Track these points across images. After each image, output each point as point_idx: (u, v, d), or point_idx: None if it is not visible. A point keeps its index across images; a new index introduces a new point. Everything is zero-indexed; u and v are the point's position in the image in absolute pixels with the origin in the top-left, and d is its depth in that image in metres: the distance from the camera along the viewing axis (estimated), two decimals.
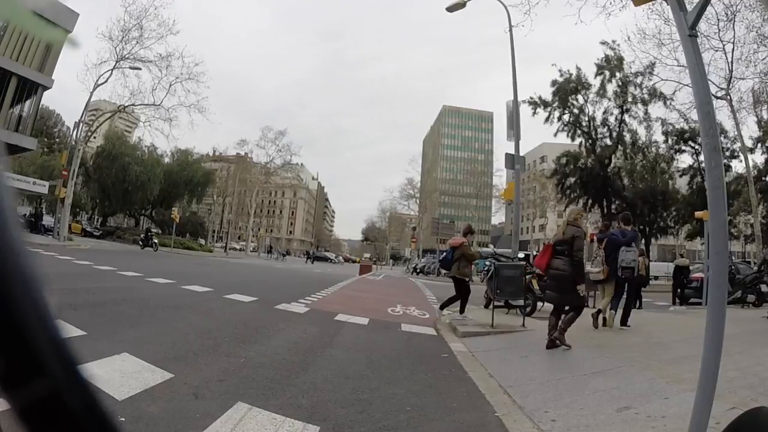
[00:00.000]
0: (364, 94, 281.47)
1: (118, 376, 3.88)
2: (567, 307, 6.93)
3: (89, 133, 34.68)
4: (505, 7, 13.98)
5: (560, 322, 6.75)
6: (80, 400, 0.41)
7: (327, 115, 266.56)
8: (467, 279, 9.95)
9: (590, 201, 35.53)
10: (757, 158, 32.14)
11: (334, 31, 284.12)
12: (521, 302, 9.74)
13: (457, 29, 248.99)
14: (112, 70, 30.61)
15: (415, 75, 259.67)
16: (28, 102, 28.24)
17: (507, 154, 13.02)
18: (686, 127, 31.57)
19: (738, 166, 32.31)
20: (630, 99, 32.74)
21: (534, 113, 34.84)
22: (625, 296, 9.24)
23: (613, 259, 8.86)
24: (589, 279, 8.92)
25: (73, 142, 31.52)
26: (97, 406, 0.43)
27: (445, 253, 10.37)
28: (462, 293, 9.72)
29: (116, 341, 4.98)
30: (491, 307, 9.46)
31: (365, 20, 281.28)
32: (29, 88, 27.62)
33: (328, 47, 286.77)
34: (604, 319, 9.01)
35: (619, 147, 33.88)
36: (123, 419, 3.05)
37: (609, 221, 13.91)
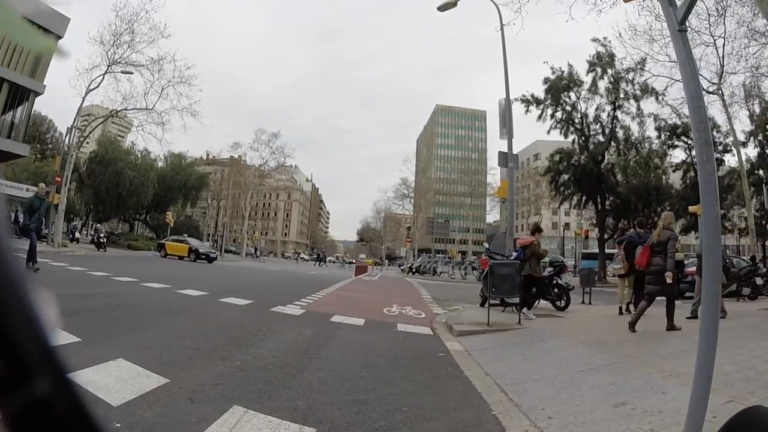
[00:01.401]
0: (360, 95, 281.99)
1: (113, 381, 3.85)
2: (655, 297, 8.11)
3: (82, 139, 34.52)
4: (496, 5, 14.02)
5: (666, 313, 8.11)
6: (70, 407, 0.41)
7: (323, 116, 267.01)
8: (538, 276, 10.65)
9: (584, 197, 35.53)
10: (750, 152, 32.27)
11: (329, 31, 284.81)
12: (517, 300, 9.75)
13: (450, 29, 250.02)
14: (104, 74, 30.52)
15: (410, 75, 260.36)
16: (20, 108, 28.17)
17: (500, 153, 13.05)
18: (679, 123, 31.61)
19: (731, 160, 32.41)
20: (622, 95, 32.76)
21: (527, 111, 34.80)
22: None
23: (632, 257, 10.12)
24: (613, 274, 11.19)
25: (66, 148, 31.37)
26: (87, 413, 0.42)
27: (516, 254, 10.82)
28: (535, 290, 10.57)
29: (111, 347, 4.95)
30: (487, 305, 9.49)
31: (360, 21, 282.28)
32: (21, 94, 27.54)
33: (323, 48, 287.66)
34: (627, 304, 10.88)
35: (612, 143, 33.88)
36: (118, 425, 3.04)
37: (627, 224, 14.45)
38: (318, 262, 64.26)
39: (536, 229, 11.16)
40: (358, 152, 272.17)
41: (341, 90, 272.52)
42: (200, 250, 33.65)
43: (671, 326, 8.02)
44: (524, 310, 9.85)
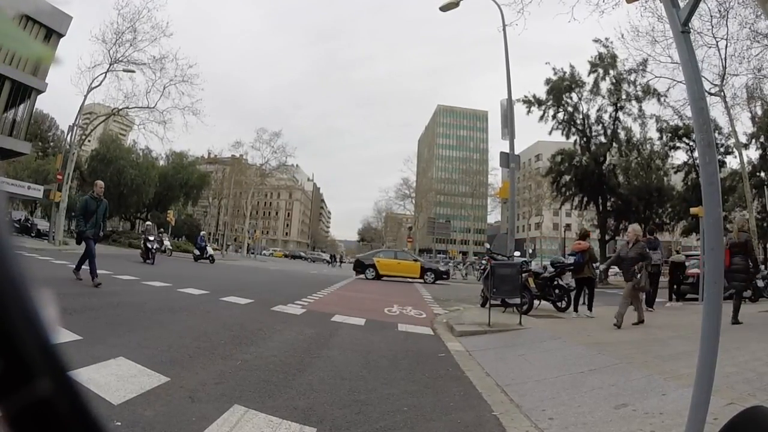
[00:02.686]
0: (359, 95, 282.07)
1: (114, 380, 3.86)
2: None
3: (83, 137, 34.57)
4: (499, 6, 14.00)
5: (733, 308, 9.10)
6: (71, 406, 0.41)
7: (322, 116, 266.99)
8: (594, 277, 11.95)
9: (585, 198, 35.54)
10: (752, 154, 32.26)
11: (327, 31, 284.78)
12: (518, 301, 9.76)
13: (450, 28, 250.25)
14: (105, 73, 30.50)
15: (410, 75, 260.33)
16: (21, 106, 28.22)
17: (502, 153, 13.02)
18: (680, 124, 31.59)
19: (733, 162, 32.42)
20: (624, 96, 32.75)
21: (528, 112, 34.80)
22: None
23: None
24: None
25: (68, 146, 31.36)
26: (88, 412, 0.42)
27: (575, 258, 11.71)
28: (590, 290, 11.54)
29: (112, 345, 4.96)
30: (488, 306, 9.49)
31: (358, 20, 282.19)
32: (23, 92, 27.59)
33: (321, 48, 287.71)
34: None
35: (614, 144, 33.87)
36: (119, 423, 3.04)
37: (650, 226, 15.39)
38: (332, 263, 64.12)
39: (586, 235, 12.46)
40: (357, 152, 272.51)
41: (340, 90, 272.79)
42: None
43: (735, 321, 9.01)
44: (582, 309, 11.26)
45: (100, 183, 11.03)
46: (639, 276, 9.21)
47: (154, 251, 21.04)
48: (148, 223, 26.53)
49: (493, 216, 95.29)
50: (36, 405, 0.39)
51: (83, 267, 10.39)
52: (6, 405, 0.38)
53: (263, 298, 11.04)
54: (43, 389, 0.39)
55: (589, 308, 11.17)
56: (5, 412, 0.38)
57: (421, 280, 25.39)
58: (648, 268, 9.91)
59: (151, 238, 21.27)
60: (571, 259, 12.26)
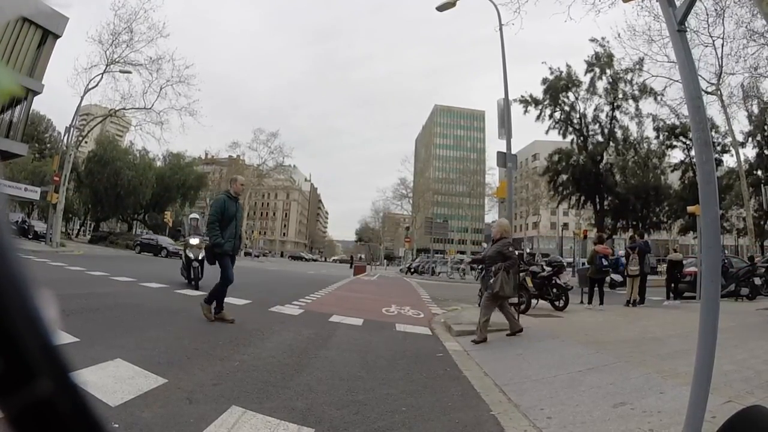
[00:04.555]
0: (357, 95, 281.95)
1: (111, 382, 3.84)
2: None
3: (80, 138, 34.54)
4: (495, 5, 13.99)
5: None
6: (72, 406, 0.41)
7: (320, 116, 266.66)
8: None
9: (583, 197, 35.64)
10: (749, 152, 32.39)
11: (325, 31, 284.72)
12: (515, 300, 9.75)
13: (448, 29, 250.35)
14: (102, 74, 30.55)
15: (407, 75, 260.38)
16: (18, 107, 28.14)
17: (499, 153, 13.01)
18: (677, 123, 31.70)
19: (729, 161, 32.54)
20: (620, 95, 32.88)
21: (525, 111, 34.93)
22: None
23: (643, 261, 13.50)
24: (628, 273, 13.89)
25: (65, 147, 31.36)
26: (89, 412, 0.42)
27: (602, 259, 13.70)
28: (600, 287, 13.69)
29: (109, 347, 4.94)
30: None
31: (356, 21, 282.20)
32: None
33: (319, 48, 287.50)
34: (635, 301, 13.44)
35: (611, 143, 33.98)
36: (117, 425, 3.03)
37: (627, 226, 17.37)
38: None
39: (601, 240, 15.03)
40: (355, 152, 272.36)
41: (338, 90, 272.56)
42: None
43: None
44: (595, 303, 13.09)
45: (240, 178, 8.35)
46: (492, 280, 7.79)
47: (199, 267, 12.26)
48: (193, 215, 14.41)
49: (491, 215, 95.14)
50: (37, 405, 0.39)
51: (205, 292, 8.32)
52: (7, 405, 0.38)
53: (261, 299, 11.02)
54: (43, 389, 0.39)
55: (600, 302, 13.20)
56: (6, 412, 0.38)
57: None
58: (510, 270, 8.01)
59: (195, 241, 12.44)
60: (605, 263, 14.10)
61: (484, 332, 7.51)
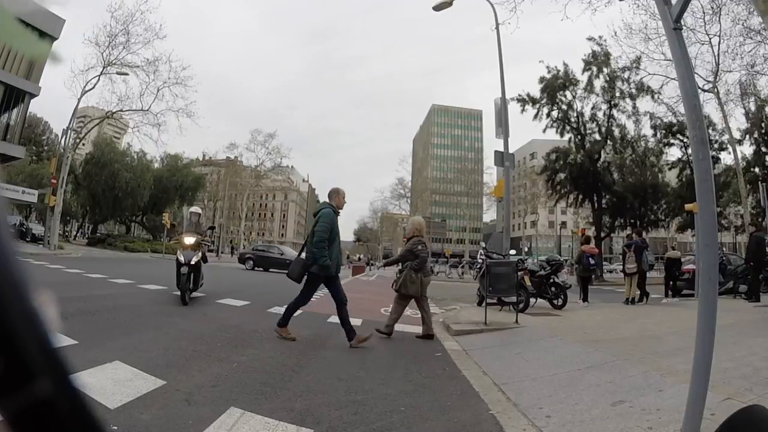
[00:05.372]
0: (353, 95, 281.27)
1: (110, 384, 3.84)
2: None
3: (78, 140, 34.53)
4: (492, 5, 14.03)
5: None
6: (72, 408, 0.41)
7: (317, 117, 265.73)
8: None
9: (580, 196, 35.60)
10: (746, 150, 32.39)
11: (321, 31, 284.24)
12: (514, 299, 9.77)
13: (444, 28, 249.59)
14: (99, 76, 30.49)
15: (404, 74, 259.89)
16: (15, 110, 28.08)
17: (496, 152, 13.04)
18: (674, 121, 31.68)
19: (727, 158, 32.53)
20: (618, 94, 32.85)
21: (522, 110, 34.85)
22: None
23: (640, 259, 13.47)
24: (625, 272, 13.95)
25: (62, 150, 31.27)
26: (88, 414, 0.42)
27: (589, 258, 14.30)
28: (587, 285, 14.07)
29: (108, 349, 4.94)
30: (484, 304, 9.50)
31: (353, 21, 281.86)
32: (16, 96, 27.45)
33: (315, 48, 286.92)
34: (634, 298, 13.43)
35: (608, 142, 33.96)
36: (116, 427, 3.03)
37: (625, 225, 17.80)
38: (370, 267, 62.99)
39: (588, 240, 15.63)
40: (353, 152, 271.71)
41: (334, 90, 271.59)
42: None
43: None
44: (582, 300, 13.18)
45: (342, 191, 7.37)
46: (396, 279, 7.85)
47: (188, 274, 9.71)
48: (194, 208, 12.12)
49: (489, 215, 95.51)
50: (36, 405, 0.39)
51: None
52: (6, 405, 0.38)
53: (259, 300, 11.03)
54: (43, 390, 0.39)
55: (585, 299, 13.34)
56: (5, 413, 0.38)
57: None
58: (419, 269, 7.98)
59: (191, 240, 10.18)
60: (593, 262, 14.71)
61: (389, 329, 7.72)
